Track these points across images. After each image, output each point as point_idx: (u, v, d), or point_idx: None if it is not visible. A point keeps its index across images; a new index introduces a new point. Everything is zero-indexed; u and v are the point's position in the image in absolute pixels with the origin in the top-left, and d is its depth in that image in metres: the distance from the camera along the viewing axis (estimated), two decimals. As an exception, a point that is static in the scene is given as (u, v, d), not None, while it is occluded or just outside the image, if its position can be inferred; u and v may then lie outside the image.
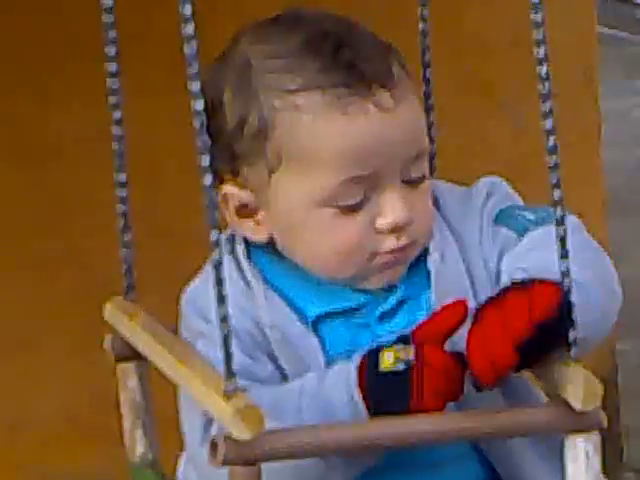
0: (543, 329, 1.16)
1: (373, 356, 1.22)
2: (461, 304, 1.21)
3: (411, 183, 1.29)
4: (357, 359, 1.23)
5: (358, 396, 1.19)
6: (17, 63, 2.79)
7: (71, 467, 2.82)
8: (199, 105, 1.07)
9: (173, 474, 1.42)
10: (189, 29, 1.05)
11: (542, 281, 1.18)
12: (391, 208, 1.27)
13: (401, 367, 1.19)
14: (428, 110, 1.50)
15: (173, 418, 1.39)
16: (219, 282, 1.10)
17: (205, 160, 1.08)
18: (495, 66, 2.81)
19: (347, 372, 1.24)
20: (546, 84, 1.12)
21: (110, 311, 1.45)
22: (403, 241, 1.28)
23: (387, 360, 1.21)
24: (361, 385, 1.21)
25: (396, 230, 1.27)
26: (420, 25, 1.51)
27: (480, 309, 1.19)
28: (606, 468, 1.40)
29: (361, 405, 1.19)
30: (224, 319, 1.10)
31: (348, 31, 1.32)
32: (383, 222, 1.27)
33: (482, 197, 1.37)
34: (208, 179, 1.08)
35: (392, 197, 1.27)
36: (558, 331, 1.18)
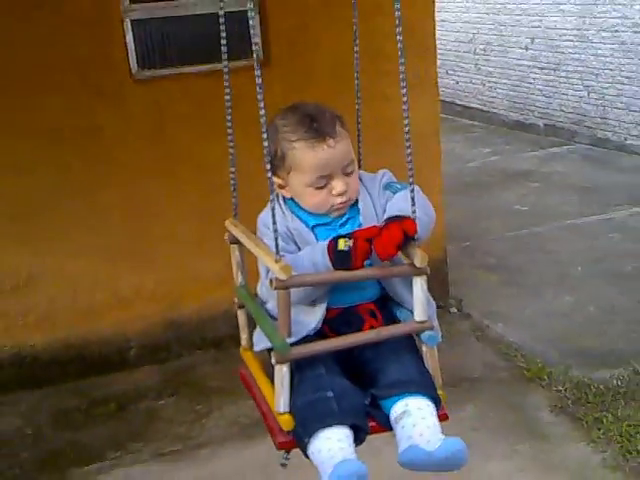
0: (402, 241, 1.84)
1: (334, 241, 1.85)
2: (376, 228, 1.83)
3: (347, 174, 2.00)
4: (328, 241, 1.87)
5: (327, 258, 1.86)
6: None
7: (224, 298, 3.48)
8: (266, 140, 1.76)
9: (254, 291, 2.13)
10: (262, 104, 1.75)
11: (399, 219, 1.84)
12: (337, 186, 1.99)
13: (347, 249, 1.82)
14: (359, 143, 2.22)
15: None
16: (273, 210, 1.79)
17: (267, 163, 1.80)
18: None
19: (323, 246, 1.87)
20: (407, 132, 1.86)
21: (227, 223, 2.20)
22: (344, 199, 2.00)
23: (341, 245, 1.82)
24: (329, 254, 1.84)
25: (341, 194, 1.99)
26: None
27: (379, 231, 1.79)
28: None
29: (328, 262, 1.86)
30: (275, 226, 1.76)
31: (318, 112, 1.98)
32: (335, 191, 2.00)
33: (380, 177, 2.08)
34: (268, 167, 1.80)
35: (338, 181, 1.98)
36: (408, 238, 1.85)
